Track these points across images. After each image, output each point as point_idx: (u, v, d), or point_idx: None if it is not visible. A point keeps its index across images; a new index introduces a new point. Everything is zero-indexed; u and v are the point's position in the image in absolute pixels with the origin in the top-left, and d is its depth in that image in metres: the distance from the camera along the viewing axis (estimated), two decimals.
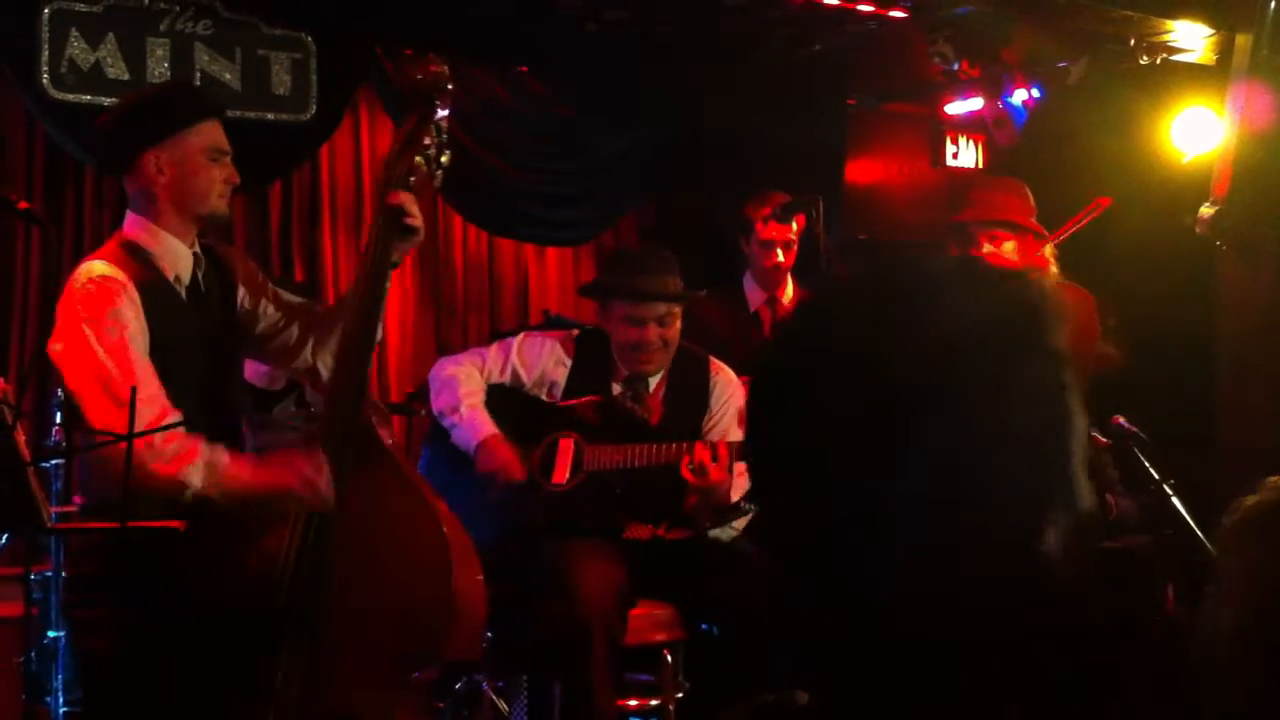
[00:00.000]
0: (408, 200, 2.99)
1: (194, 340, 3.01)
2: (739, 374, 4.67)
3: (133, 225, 3.02)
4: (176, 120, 3.00)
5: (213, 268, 3.10)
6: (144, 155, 2.96)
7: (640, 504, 3.98)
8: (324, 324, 3.18)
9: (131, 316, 2.87)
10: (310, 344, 3.19)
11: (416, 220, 3.00)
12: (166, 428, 2.70)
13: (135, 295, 2.88)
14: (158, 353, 2.90)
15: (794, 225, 4.87)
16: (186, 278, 3.03)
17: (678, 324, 4.03)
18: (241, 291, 3.16)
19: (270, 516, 2.90)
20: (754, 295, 4.93)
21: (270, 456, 2.92)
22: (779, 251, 4.81)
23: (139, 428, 2.57)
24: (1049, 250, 4.31)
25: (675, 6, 5.64)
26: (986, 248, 4.24)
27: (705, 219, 6.27)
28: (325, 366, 3.16)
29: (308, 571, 2.83)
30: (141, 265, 2.95)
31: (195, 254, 3.05)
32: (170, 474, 2.76)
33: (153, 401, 2.73)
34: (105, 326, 2.83)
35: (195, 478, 2.78)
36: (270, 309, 3.19)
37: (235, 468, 2.85)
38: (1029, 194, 4.38)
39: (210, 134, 3.03)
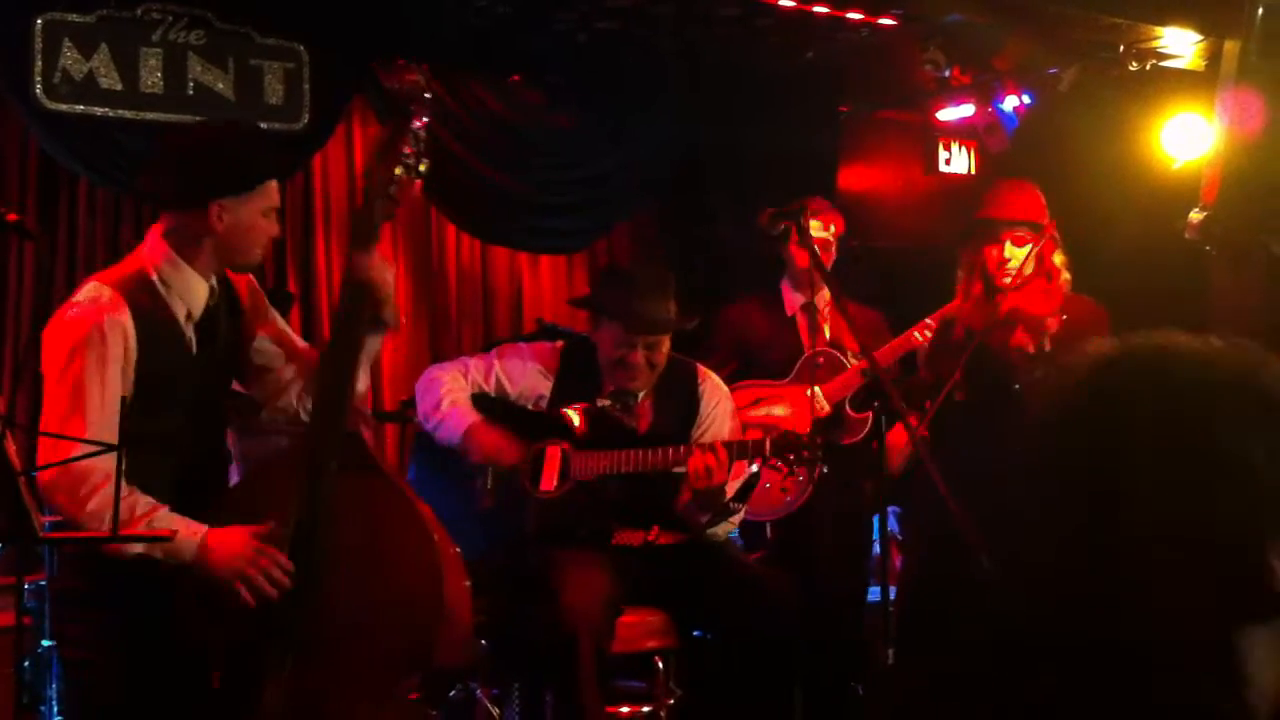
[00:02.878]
0: (359, 261, 2.95)
1: (190, 371, 2.99)
2: (777, 376, 4.71)
3: (158, 256, 2.95)
4: (255, 177, 2.96)
5: (225, 299, 3.08)
6: (211, 203, 2.90)
7: (630, 510, 3.98)
8: (311, 372, 3.15)
9: (120, 353, 2.83)
10: (296, 390, 3.16)
11: (368, 278, 2.96)
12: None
13: (131, 332, 2.85)
14: (150, 381, 2.88)
15: (833, 227, 4.91)
16: (199, 312, 3.00)
17: (666, 347, 4.00)
18: (246, 324, 3.14)
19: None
20: (791, 299, 4.98)
21: (223, 535, 2.86)
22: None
23: (89, 481, 2.64)
24: (1060, 259, 4.33)
25: (667, 16, 5.65)
26: (1008, 246, 4.26)
27: (700, 227, 6.28)
28: (305, 412, 3.14)
29: (297, 579, 2.83)
30: (150, 298, 2.91)
31: (212, 286, 3.02)
32: (116, 546, 2.77)
33: (95, 465, 2.70)
34: (94, 364, 2.79)
35: (138, 544, 2.79)
36: (269, 347, 3.16)
37: (185, 531, 2.83)
38: (1043, 198, 4.41)
39: (273, 193, 3.01)
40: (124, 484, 2.72)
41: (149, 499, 2.82)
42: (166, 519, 2.82)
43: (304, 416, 3.14)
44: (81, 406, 2.78)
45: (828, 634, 4.61)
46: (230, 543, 2.83)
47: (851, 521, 4.90)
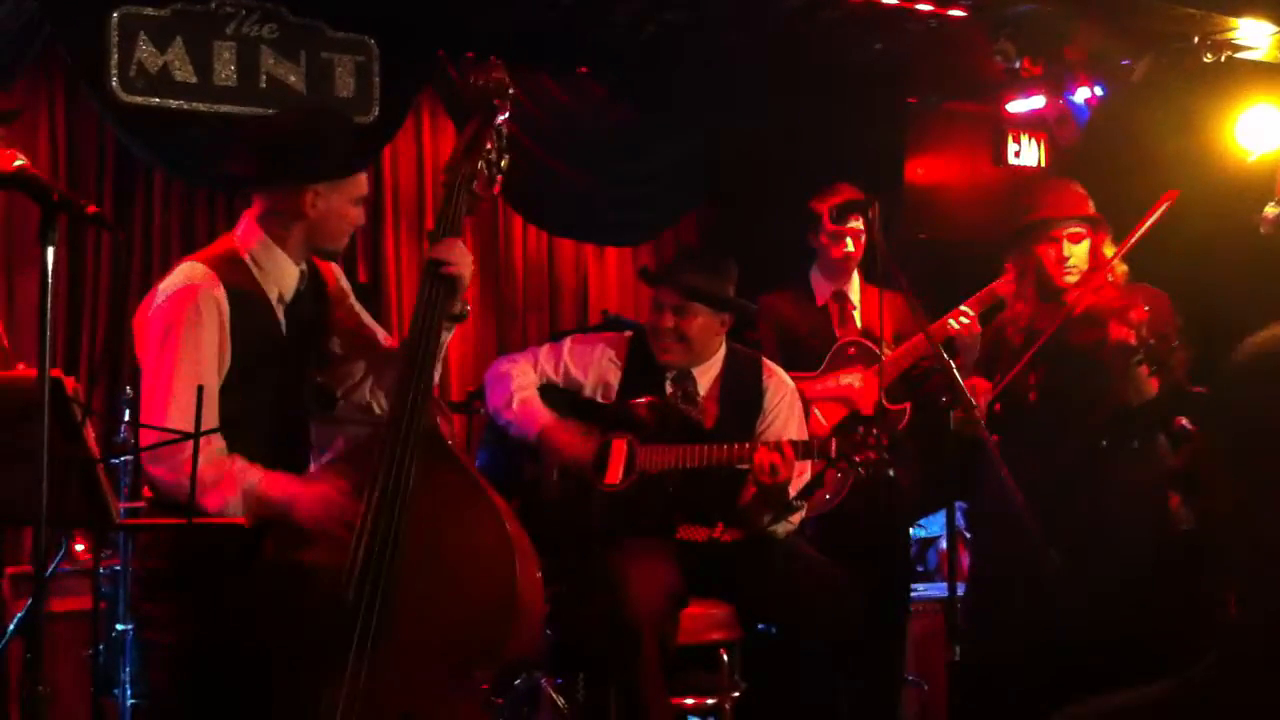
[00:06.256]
0: (444, 250, 3.00)
1: (279, 353, 3.05)
2: (811, 368, 4.69)
3: (250, 237, 3.02)
4: (350, 167, 3.04)
5: (313, 284, 3.14)
6: (306, 188, 2.98)
7: (695, 505, 3.99)
8: (386, 365, 3.19)
9: (216, 328, 2.90)
10: (370, 382, 3.21)
11: (456, 268, 3.00)
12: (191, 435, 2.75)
13: (225, 305, 2.92)
14: (242, 361, 2.94)
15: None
16: (290, 295, 3.07)
17: (698, 321, 3.99)
18: (331, 311, 3.20)
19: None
20: (821, 289, 4.94)
21: (305, 480, 2.96)
22: (849, 241, 4.80)
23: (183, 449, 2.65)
24: (1111, 250, 4.29)
25: (734, 7, 5.64)
26: (1065, 244, 4.23)
27: (765, 219, 6.26)
28: (379, 405, 3.19)
29: (375, 567, 2.86)
30: (243, 276, 2.98)
31: (302, 270, 3.09)
32: (218, 509, 2.85)
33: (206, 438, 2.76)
34: (190, 338, 2.87)
35: (237, 509, 2.86)
36: (350, 337, 3.21)
37: (267, 485, 2.90)
38: (1084, 190, 4.37)
39: (363, 183, 3.08)
40: (225, 453, 2.84)
41: (244, 462, 2.91)
42: (258, 476, 2.90)
43: (378, 410, 3.18)
44: (174, 387, 2.84)
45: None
46: (314, 492, 2.93)
47: (887, 516, 4.83)
